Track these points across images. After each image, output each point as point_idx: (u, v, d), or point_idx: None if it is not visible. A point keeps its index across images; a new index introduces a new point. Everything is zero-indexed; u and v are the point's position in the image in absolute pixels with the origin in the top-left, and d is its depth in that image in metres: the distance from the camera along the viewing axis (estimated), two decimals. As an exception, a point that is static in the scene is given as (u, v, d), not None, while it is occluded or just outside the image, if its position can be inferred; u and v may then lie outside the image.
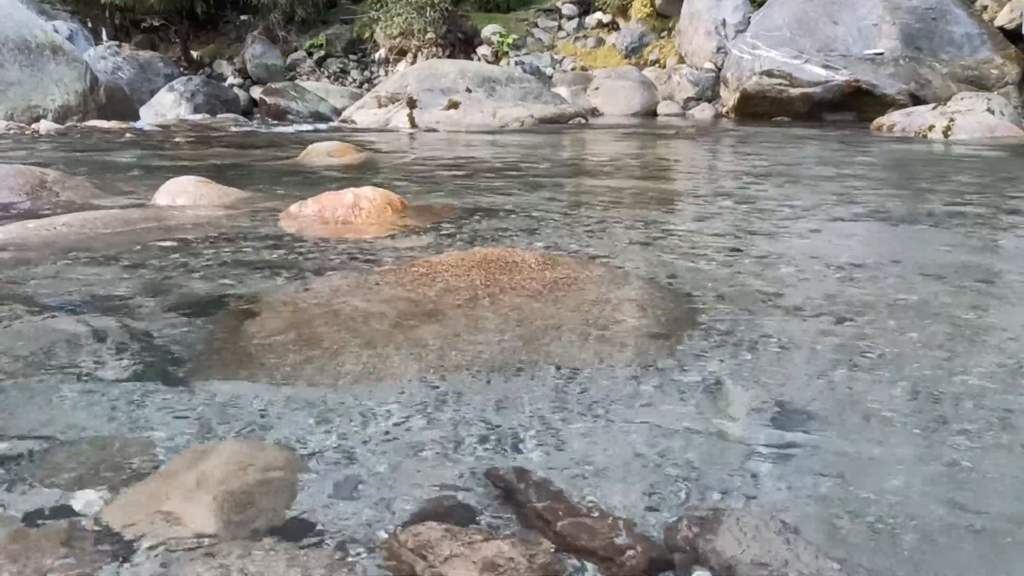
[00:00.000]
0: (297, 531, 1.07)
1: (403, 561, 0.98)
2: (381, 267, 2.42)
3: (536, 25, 16.40)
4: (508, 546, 0.98)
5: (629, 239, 2.93)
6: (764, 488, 1.18)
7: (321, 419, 1.40)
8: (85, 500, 1.14)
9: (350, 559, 1.00)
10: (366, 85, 14.59)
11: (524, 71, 12.80)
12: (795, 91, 10.35)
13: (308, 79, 14.72)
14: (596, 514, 1.09)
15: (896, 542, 1.05)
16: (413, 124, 9.53)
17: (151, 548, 1.02)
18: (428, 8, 14.56)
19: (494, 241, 2.82)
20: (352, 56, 16.18)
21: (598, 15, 15.98)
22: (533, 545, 1.01)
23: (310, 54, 16.10)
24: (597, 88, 12.52)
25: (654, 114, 12.25)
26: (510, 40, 15.51)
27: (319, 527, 1.08)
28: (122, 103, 10.51)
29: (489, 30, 15.72)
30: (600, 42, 15.42)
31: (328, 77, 15.40)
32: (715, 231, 3.09)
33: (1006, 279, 2.42)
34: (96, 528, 1.07)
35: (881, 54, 10.21)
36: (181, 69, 15.22)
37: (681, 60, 13.37)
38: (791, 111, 10.41)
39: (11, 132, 7.96)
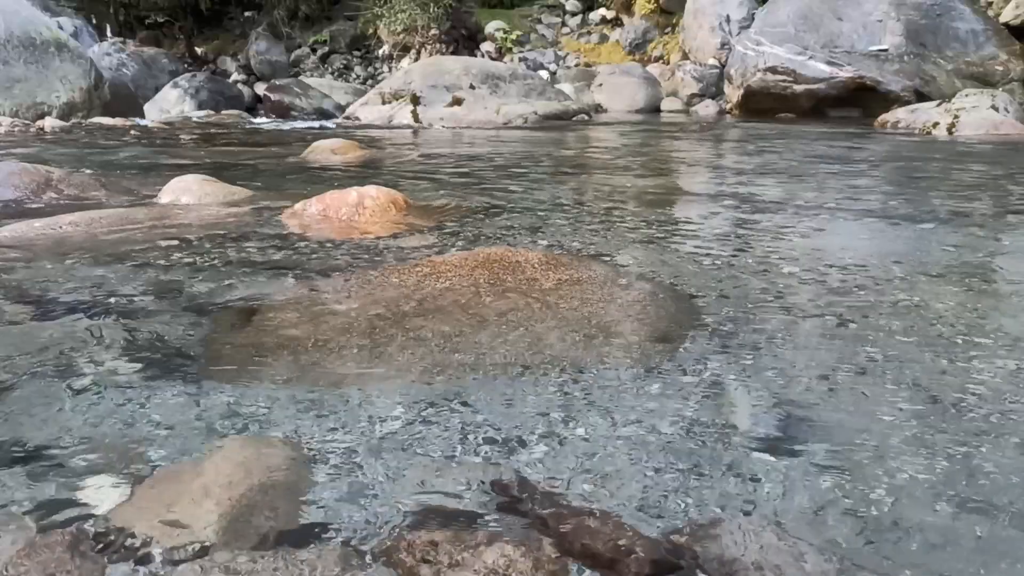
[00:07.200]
0: (301, 533, 1.07)
1: (407, 565, 0.98)
2: (385, 267, 2.42)
3: (540, 21, 16.38)
4: (511, 550, 0.99)
5: (632, 238, 2.93)
6: (766, 490, 1.19)
7: (325, 419, 1.41)
8: (89, 500, 1.15)
9: (355, 562, 1.01)
10: (370, 81, 14.59)
11: (528, 67, 12.78)
12: (799, 87, 10.33)
13: (312, 75, 14.75)
14: (599, 517, 1.10)
15: (896, 543, 1.05)
16: (417, 121, 9.53)
17: (155, 549, 1.03)
18: (432, 4, 14.55)
19: (497, 240, 2.82)
20: (356, 52, 16.18)
21: (602, 11, 15.96)
22: (537, 549, 1.01)
23: (314, 50, 16.10)
24: (601, 84, 12.51)
25: (658, 110, 12.24)
26: (514, 36, 15.49)
27: (323, 530, 1.08)
28: (126, 100, 10.53)
29: (493, 26, 15.70)
30: (604, 38, 15.40)
31: (332, 73, 15.41)
32: (718, 230, 3.09)
33: (1009, 279, 2.42)
34: (101, 529, 1.08)
35: (886, 50, 10.18)
36: (185, 66, 15.24)
37: (685, 56, 13.34)
38: (795, 108, 10.39)
39: (16, 129, 7.97)
